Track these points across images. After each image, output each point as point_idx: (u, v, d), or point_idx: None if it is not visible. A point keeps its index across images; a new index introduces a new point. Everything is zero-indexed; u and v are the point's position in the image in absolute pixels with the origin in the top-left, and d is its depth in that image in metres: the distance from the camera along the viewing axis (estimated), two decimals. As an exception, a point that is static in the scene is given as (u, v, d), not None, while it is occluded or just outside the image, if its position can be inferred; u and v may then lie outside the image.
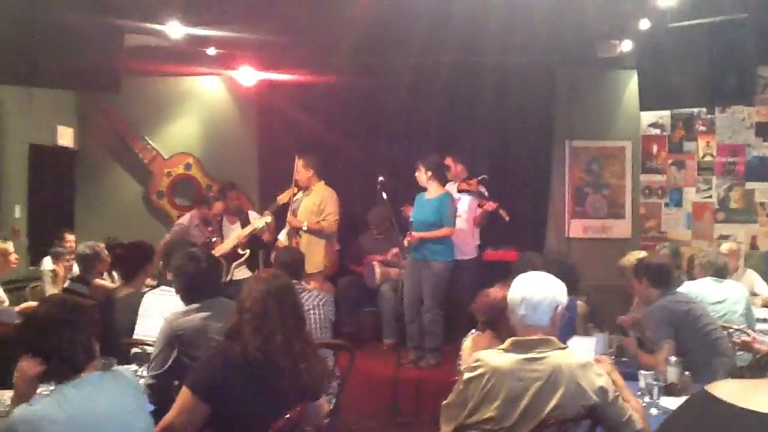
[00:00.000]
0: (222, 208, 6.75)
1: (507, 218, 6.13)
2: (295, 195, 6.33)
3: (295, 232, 6.20)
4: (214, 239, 6.46)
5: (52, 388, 2.17)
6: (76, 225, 7.57)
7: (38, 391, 2.30)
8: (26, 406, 2.03)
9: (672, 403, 3.16)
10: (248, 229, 6.41)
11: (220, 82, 7.76)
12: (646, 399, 3.12)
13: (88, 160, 7.85)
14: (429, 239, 5.72)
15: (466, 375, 2.59)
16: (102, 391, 2.11)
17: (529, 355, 2.55)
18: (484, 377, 2.54)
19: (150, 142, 7.76)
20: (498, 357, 2.58)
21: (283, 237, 6.26)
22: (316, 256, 6.05)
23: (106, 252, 5.48)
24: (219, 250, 6.23)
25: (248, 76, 7.37)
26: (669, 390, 3.24)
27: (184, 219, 6.77)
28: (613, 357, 4.20)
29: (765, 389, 1.03)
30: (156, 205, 7.82)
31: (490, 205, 6.12)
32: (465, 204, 6.32)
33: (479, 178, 6.32)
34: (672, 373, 3.30)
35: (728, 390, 1.04)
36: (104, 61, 5.57)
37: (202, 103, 7.81)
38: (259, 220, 6.40)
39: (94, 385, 2.11)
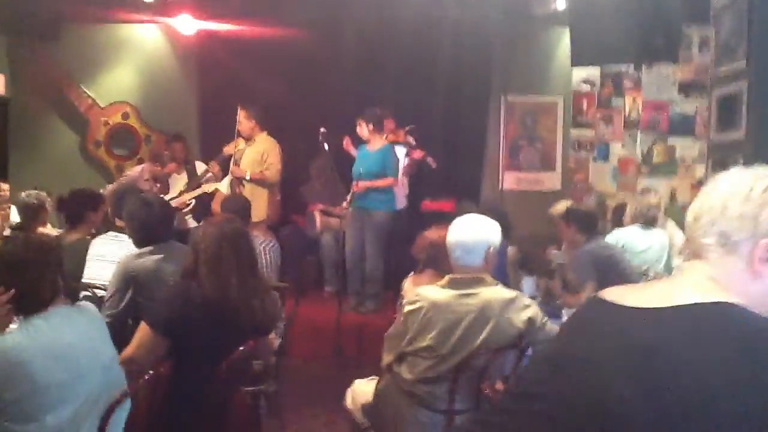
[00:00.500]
0: (175, 168, 6.75)
1: (434, 166, 6.33)
2: (237, 146, 6.38)
3: (237, 182, 6.28)
4: (162, 195, 6.48)
5: (21, 322, 2.25)
6: (11, 175, 7.43)
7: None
8: None
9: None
10: (196, 193, 6.47)
11: (159, 30, 7.65)
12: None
13: (20, 108, 7.67)
14: (373, 189, 5.89)
15: (407, 308, 2.84)
16: (70, 322, 2.23)
17: (464, 291, 2.81)
18: (422, 310, 2.79)
19: (86, 90, 7.63)
20: (436, 292, 2.83)
21: (224, 187, 6.32)
22: (259, 205, 6.11)
23: (49, 201, 5.46)
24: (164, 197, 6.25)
25: (187, 24, 7.30)
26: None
27: (134, 171, 6.70)
28: (541, 298, 4.56)
29: (641, 290, 1.25)
30: (93, 154, 7.73)
31: (418, 154, 6.33)
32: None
33: (406, 128, 6.49)
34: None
35: (613, 292, 1.26)
36: (42, 7, 5.46)
37: (140, 52, 7.69)
38: (208, 186, 6.45)
39: (62, 316, 2.22)
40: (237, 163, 6.29)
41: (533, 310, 2.84)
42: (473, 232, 2.88)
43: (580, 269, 4.06)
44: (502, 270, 4.22)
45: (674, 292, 1.25)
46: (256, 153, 6.26)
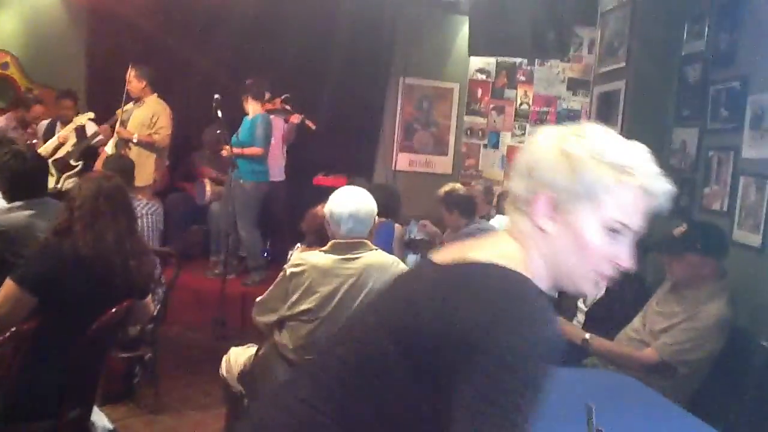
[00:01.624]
0: (42, 111, 6.38)
1: (313, 127, 6.35)
2: (124, 107, 6.12)
3: (124, 143, 6.04)
4: (34, 141, 6.13)
5: None
6: None
7: None
8: None
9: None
10: (70, 127, 6.14)
11: (47, -23, 7.21)
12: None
13: None
14: (241, 158, 5.83)
15: (290, 271, 2.88)
16: None
17: (346, 256, 2.87)
18: (305, 273, 2.82)
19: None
20: (319, 257, 2.88)
21: (109, 148, 6.06)
22: (145, 169, 5.94)
23: None
24: (43, 150, 5.93)
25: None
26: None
27: (2, 120, 6.33)
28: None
29: (454, 248, 1.30)
30: (-34, 103, 7.22)
31: (296, 117, 6.34)
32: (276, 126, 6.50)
33: (282, 97, 6.48)
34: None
35: (439, 252, 1.33)
36: None
37: (25, -1, 7.22)
38: (81, 117, 6.12)
39: None
40: (124, 125, 6.05)
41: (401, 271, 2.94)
42: (365, 203, 2.96)
43: None
44: (387, 247, 4.32)
45: (475, 249, 1.27)
46: (145, 115, 6.05)
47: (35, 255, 2.67)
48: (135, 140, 5.98)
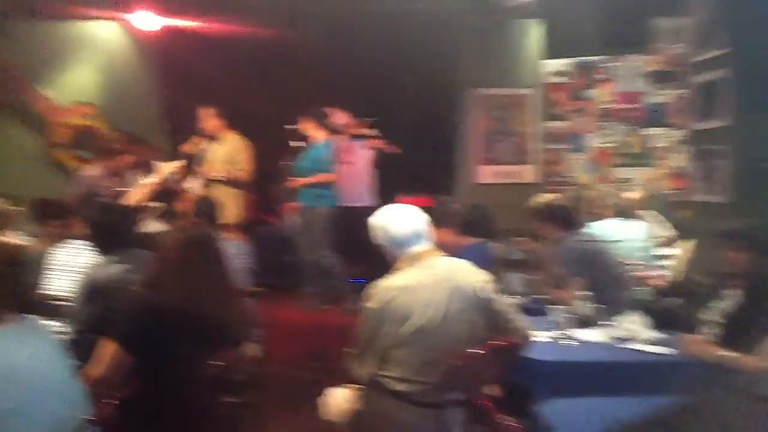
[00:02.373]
0: (130, 160, 6.47)
1: (398, 151, 6.20)
2: (201, 145, 6.15)
3: (208, 183, 6.06)
4: (124, 189, 6.22)
5: None
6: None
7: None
8: None
9: (582, 334, 3.36)
10: (153, 178, 6.18)
11: (119, 27, 7.37)
12: (559, 331, 3.30)
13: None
14: (310, 186, 5.76)
15: (370, 304, 2.72)
16: (20, 343, 2.03)
17: (422, 264, 2.76)
18: (388, 299, 2.68)
19: (45, 91, 7.32)
20: (394, 278, 2.75)
21: (195, 188, 6.10)
22: (231, 206, 5.94)
23: (9, 209, 5.20)
24: (127, 201, 5.99)
25: (147, 20, 7.04)
26: (580, 322, 3.44)
27: (92, 172, 6.42)
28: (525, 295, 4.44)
29: None
30: (55, 157, 7.43)
31: (378, 143, 6.19)
32: (356, 150, 6.38)
33: (366, 122, 6.36)
34: (582, 307, 3.49)
35: None
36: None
37: (99, 50, 7.40)
38: (165, 166, 6.16)
39: (9, 337, 2.02)
40: (203, 164, 6.06)
41: (484, 276, 2.83)
42: (417, 217, 2.87)
43: (566, 265, 3.94)
44: (488, 268, 4.10)
45: None
46: (226, 153, 6.07)
47: (129, 311, 2.59)
48: (219, 179, 5.99)
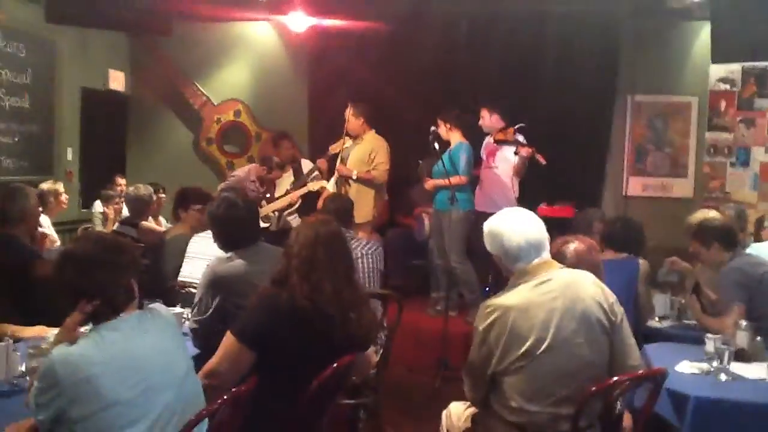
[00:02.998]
0: (279, 176, 6.60)
1: (544, 162, 5.87)
2: (345, 143, 6.19)
3: (344, 181, 6.09)
4: (267, 195, 6.39)
5: (89, 328, 2.07)
6: (128, 170, 7.62)
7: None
8: (65, 347, 1.93)
9: (742, 369, 2.98)
10: (302, 191, 6.31)
11: (271, 28, 7.61)
12: (715, 364, 2.93)
13: (139, 105, 7.86)
14: (444, 188, 5.60)
15: (482, 326, 2.48)
16: (141, 331, 2.02)
17: (537, 280, 2.47)
18: (501, 319, 2.43)
19: (200, 88, 7.71)
20: (508, 295, 2.49)
21: (330, 186, 6.15)
22: (365, 206, 5.93)
23: (156, 196, 5.48)
24: (272, 207, 6.16)
25: (299, 21, 7.19)
26: (739, 355, 3.05)
27: (242, 171, 6.63)
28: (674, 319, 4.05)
29: None
30: (205, 151, 7.79)
31: (526, 151, 5.86)
32: (502, 154, 6.10)
33: (516, 126, 6.06)
34: (742, 338, 3.10)
35: None
36: (156, 4, 5.49)
37: (252, 50, 7.69)
38: (314, 184, 6.28)
39: (132, 325, 2.02)
40: (344, 162, 6.10)
41: (609, 294, 2.53)
42: (538, 225, 2.58)
43: (728, 289, 3.52)
44: (632, 286, 3.78)
45: None
46: (364, 152, 6.06)
47: (253, 307, 2.55)
48: (354, 177, 5.99)
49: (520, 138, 5.99)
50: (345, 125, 6.12)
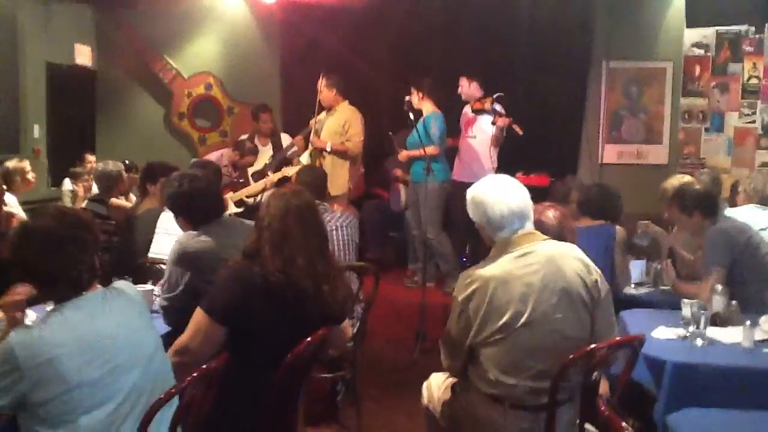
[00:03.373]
0: (252, 161, 6.48)
1: (521, 132, 5.84)
2: (318, 116, 6.09)
3: (318, 153, 6.00)
4: (241, 181, 6.27)
5: (50, 308, 1.98)
6: (97, 146, 7.46)
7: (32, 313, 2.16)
8: (25, 329, 1.85)
9: (718, 333, 2.98)
10: (278, 176, 6.20)
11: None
12: (691, 329, 2.93)
13: (107, 79, 7.67)
14: (419, 159, 5.55)
15: (461, 296, 2.44)
16: (106, 310, 1.94)
17: (519, 252, 2.42)
18: (480, 290, 2.39)
19: (170, 61, 7.53)
20: (489, 267, 2.43)
21: (305, 158, 6.05)
22: (340, 178, 5.86)
23: (128, 174, 5.36)
24: (245, 192, 6.02)
25: (269, -8, 7.04)
26: (714, 320, 3.05)
27: (213, 156, 6.48)
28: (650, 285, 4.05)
29: None
30: (177, 126, 7.65)
31: (503, 121, 5.82)
32: (480, 124, 6.05)
33: (494, 96, 6.01)
34: (718, 303, 3.10)
35: None
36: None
37: (222, 22, 7.51)
38: (290, 169, 6.16)
39: (96, 304, 1.94)
40: (317, 134, 6.01)
41: (592, 266, 2.49)
42: (522, 193, 2.49)
43: (711, 251, 3.48)
44: (609, 253, 3.77)
45: None
46: (337, 123, 5.97)
47: (223, 282, 2.48)
48: (329, 149, 5.91)
49: (498, 108, 5.93)
50: (318, 97, 6.01)
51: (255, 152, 6.42)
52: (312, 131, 6.04)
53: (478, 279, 2.41)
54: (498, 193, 2.46)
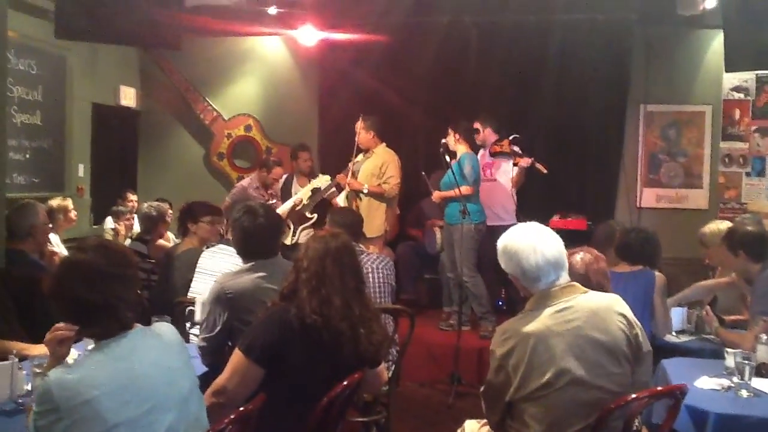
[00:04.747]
0: (281, 173, 6.61)
1: (545, 171, 5.82)
2: (355, 157, 6.15)
3: (355, 195, 6.04)
4: (273, 201, 6.35)
5: (91, 347, 1.98)
6: (139, 185, 7.62)
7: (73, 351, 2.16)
8: (63, 369, 1.84)
9: (763, 384, 2.89)
10: (307, 188, 6.28)
11: (281, 42, 7.61)
12: (735, 379, 2.85)
13: (150, 120, 7.88)
14: (454, 201, 5.53)
15: (499, 351, 2.35)
16: (145, 349, 1.94)
17: (558, 306, 2.34)
18: (520, 347, 2.30)
19: (211, 103, 7.71)
20: (527, 321, 2.34)
21: (341, 200, 6.10)
22: (376, 219, 5.88)
23: (170, 213, 5.46)
24: (279, 211, 6.10)
25: (309, 35, 7.19)
26: (760, 370, 2.96)
27: (244, 181, 6.68)
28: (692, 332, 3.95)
29: None
30: (216, 166, 7.79)
31: (525, 161, 5.82)
32: (499, 167, 6.07)
33: (510, 137, 6.02)
34: (763, 352, 3.01)
35: None
36: (166, 18, 5.49)
37: (262, 64, 7.69)
38: (318, 179, 6.25)
39: (135, 343, 1.93)
40: (354, 176, 6.06)
41: (635, 321, 2.40)
42: (555, 241, 2.40)
43: (760, 300, 3.38)
44: (648, 299, 3.70)
45: None
46: (374, 165, 6.02)
47: (261, 323, 2.49)
48: (365, 191, 5.95)
49: (516, 149, 5.97)
50: (356, 139, 6.08)
51: (279, 163, 6.52)
52: (350, 173, 6.09)
53: (517, 335, 2.32)
54: (531, 243, 2.38)
